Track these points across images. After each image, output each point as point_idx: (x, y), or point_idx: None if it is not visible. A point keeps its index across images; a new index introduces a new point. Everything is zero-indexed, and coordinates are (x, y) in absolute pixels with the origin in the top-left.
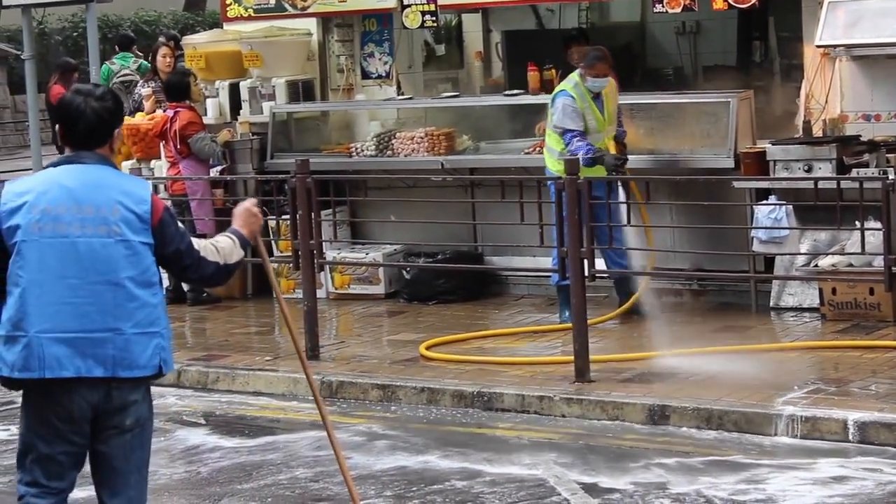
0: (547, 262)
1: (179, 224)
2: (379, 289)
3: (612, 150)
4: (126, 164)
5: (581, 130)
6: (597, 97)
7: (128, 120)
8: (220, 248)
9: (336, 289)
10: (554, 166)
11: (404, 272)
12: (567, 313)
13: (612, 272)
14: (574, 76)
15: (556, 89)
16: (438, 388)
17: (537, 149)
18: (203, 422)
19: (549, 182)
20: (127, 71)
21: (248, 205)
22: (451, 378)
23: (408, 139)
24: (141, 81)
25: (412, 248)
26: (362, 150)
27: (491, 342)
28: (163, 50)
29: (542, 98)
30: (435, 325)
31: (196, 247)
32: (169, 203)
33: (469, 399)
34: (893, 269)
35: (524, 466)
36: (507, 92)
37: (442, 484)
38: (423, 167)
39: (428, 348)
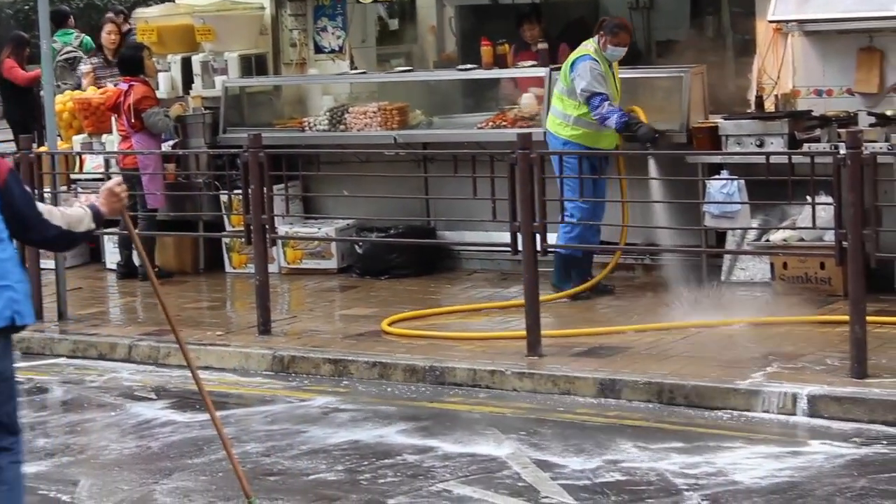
0: (499, 236)
1: (25, 186)
2: (331, 263)
3: (644, 117)
4: (77, 139)
5: (608, 94)
6: (609, 67)
7: (79, 94)
8: (67, 214)
9: (288, 263)
10: (564, 131)
11: (357, 247)
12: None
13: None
14: (591, 43)
15: (577, 54)
16: (390, 363)
17: (490, 123)
18: (154, 396)
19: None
20: (70, 48)
21: (112, 185)
22: (403, 353)
23: (360, 114)
24: (84, 58)
25: (365, 223)
26: (315, 125)
27: (455, 318)
28: (108, 27)
29: (495, 73)
30: (387, 300)
31: (40, 209)
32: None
33: (421, 374)
34: (844, 243)
35: (476, 441)
36: (460, 67)
37: (394, 458)
38: (376, 142)
39: (390, 324)
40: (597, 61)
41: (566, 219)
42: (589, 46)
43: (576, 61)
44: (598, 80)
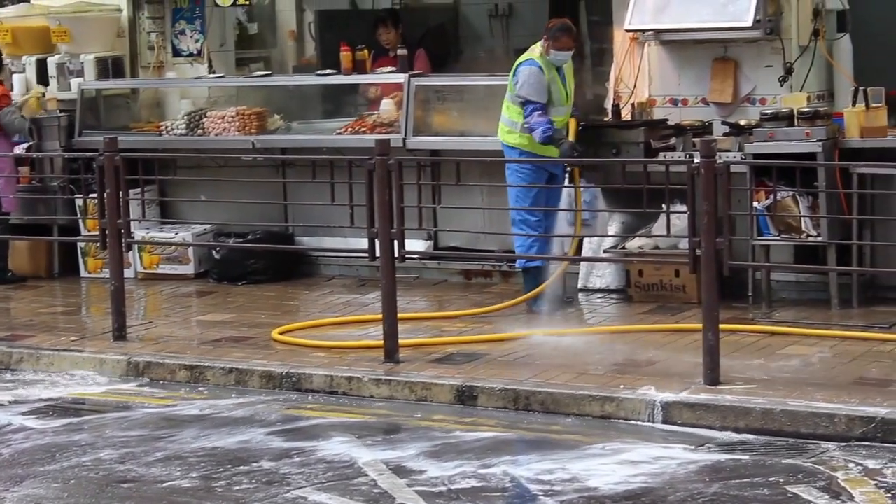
0: (357, 242)
1: None
2: (188, 269)
3: (572, 132)
4: None
5: (543, 103)
6: (558, 71)
7: None
8: None
9: (145, 268)
10: (511, 139)
11: (214, 252)
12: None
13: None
14: (536, 48)
15: (521, 59)
16: (246, 369)
17: (349, 129)
18: (7, 402)
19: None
20: None
21: None
22: (260, 359)
23: (219, 118)
24: None
25: (222, 228)
26: (172, 129)
27: (352, 328)
28: None
29: (354, 79)
30: (245, 306)
31: None
32: None
33: (278, 380)
34: (698, 251)
35: (332, 447)
36: (319, 72)
37: (250, 465)
38: (234, 146)
39: (282, 333)
40: (540, 67)
41: (516, 231)
42: (535, 51)
43: (519, 66)
44: (535, 87)
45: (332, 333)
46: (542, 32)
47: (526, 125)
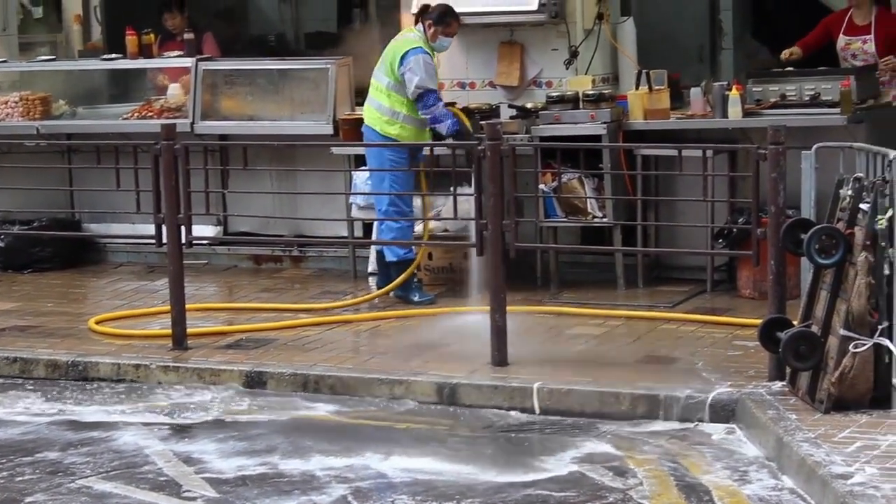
0: (145, 228)
1: None
2: None
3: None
4: None
5: (440, 93)
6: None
7: None
8: None
9: None
10: (391, 129)
11: None
12: (415, 296)
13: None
14: (416, 33)
15: (406, 46)
16: (31, 359)
17: (136, 114)
18: None
19: (389, 150)
20: None
21: None
22: (45, 348)
23: (1, 103)
24: None
25: (6, 216)
26: None
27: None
28: None
29: (141, 63)
30: (30, 294)
31: None
32: None
33: (63, 369)
34: (484, 233)
35: (120, 436)
36: (104, 56)
37: (33, 456)
38: (18, 132)
39: (98, 322)
40: (428, 54)
41: (383, 216)
42: (415, 37)
43: (406, 54)
44: (432, 77)
45: (129, 324)
46: (416, 17)
47: (428, 115)
